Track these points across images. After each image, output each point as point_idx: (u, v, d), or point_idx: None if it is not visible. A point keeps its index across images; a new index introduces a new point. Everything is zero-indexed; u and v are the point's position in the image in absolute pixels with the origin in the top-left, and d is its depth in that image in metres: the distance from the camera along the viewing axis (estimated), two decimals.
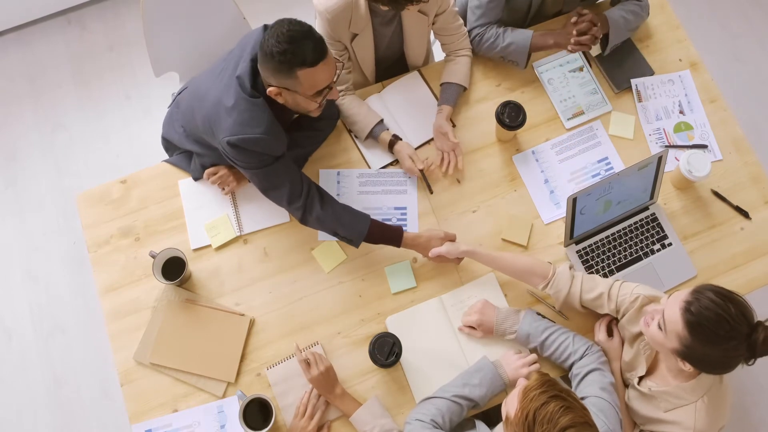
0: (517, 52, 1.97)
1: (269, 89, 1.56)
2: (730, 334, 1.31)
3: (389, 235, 1.78)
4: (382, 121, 1.95)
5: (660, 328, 1.40)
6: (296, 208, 1.72)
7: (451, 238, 1.81)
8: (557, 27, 2.08)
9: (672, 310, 1.37)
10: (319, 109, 1.63)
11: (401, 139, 1.93)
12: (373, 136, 1.94)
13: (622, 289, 1.62)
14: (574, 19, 1.92)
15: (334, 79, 1.58)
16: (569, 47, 1.91)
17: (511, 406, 1.25)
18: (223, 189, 1.90)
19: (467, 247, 1.76)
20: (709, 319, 1.32)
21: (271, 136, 1.61)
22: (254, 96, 1.58)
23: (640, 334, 1.59)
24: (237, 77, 1.58)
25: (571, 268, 1.69)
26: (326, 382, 1.66)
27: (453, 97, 1.96)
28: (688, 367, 1.40)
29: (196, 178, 1.94)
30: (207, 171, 1.90)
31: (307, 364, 1.67)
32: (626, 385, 1.66)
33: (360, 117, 1.94)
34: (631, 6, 2.00)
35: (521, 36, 1.96)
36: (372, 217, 1.75)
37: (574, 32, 1.89)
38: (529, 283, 1.73)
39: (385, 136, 1.93)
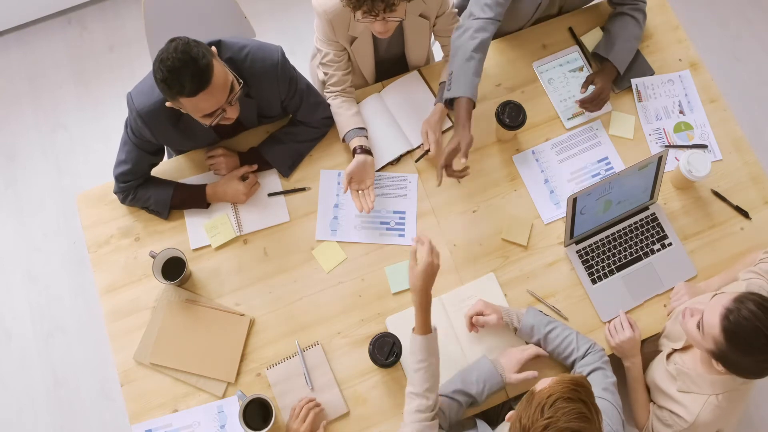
0: (446, 90, 1.80)
1: (167, 102, 1.58)
2: (766, 347, 1.33)
3: (195, 197, 1.87)
4: (362, 129, 1.90)
5: (698, 327, 1.42)
6: (118, 186, 1.84)
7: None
8: (556, 24, 2.09)
9: (712, 314, 1.39)
10: (226, 120, 1.62)
11: (369, 154, 1.86)
12: (345, 139, 1.90)
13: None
14: (582, 94, 1.97)
15: (230, 101, 1.56)
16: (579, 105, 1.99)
17: (543, 383, 1.25)
18: (216, 172, 1.93)
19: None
20: (746, 330, 1.34)
21: (144, 117, 1.66)
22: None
23: None
24: None
25: None
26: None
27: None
28: (720, 368, 1.43)
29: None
30: (208, 153, 1.92)
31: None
32: (657, 350, 1.72)
33: (340, 119, 1.91)
34: (635, 31, 1.99)
35: (463, 86, 1.74)
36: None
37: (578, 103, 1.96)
38: None
39: (355, 142, 1.86)
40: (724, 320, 1.36)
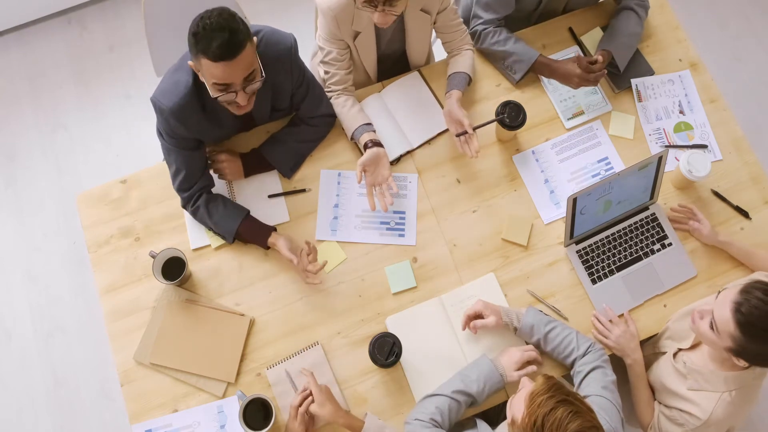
0: (517, 64, 1.98)
1: (189, 61, 1.58)
2: None
3: (259, 237, 1.82)
4: (369, 124, 1.91)
5: (711, 328, 1.42)
6: (182, 198, 1.83)
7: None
8: (558, 25, 2.09)
9: (722, 310, 1.39)
10: (236, 107, 1.61)
11: (381, 146, 1.86)
12: (354, 137, 1.91)
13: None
14: (580, 63, 1.91)
15: (244, 87, 1.55)
16: (573, 86, 1.95)
17: (517, 409, 1.25)
18: (220, 177, 1.92)
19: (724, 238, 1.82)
20: (760, 318, 1.34)
21: (176, 113, 1.64)
22: (193, 75, 1.62)
23: None
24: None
25: None
26: (330, 399, 1.62)
27: (461, 83, 1.93)
28: (743, 363, 1.43)
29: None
30: (210, 156, 1.91)
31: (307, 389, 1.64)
32: (658, 352, 1.71)
33: (346, 116, 1.92)
34: (636, 28, 1.99)
35: (527, 53, 1.96)
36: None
37: (577, 71, 1.91)
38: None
39: (365, 138, 1.87)
40: (736, 313, 1.36)
